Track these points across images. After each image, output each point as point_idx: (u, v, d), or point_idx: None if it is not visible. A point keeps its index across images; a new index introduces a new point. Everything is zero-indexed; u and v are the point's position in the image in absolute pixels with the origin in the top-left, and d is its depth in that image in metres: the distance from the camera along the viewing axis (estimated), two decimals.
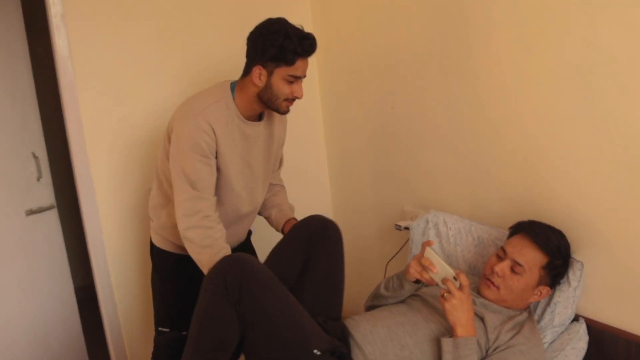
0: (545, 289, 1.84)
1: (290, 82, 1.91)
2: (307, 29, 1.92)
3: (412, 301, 1.94)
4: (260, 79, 1.90)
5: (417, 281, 1.87)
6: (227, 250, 1.90)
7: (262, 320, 1.68)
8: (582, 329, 1.85)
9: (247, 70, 1.95)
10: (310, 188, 3.03)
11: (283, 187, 2.38)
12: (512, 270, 1.82)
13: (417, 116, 2.38)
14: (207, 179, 1.91)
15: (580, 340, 1.84)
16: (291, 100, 1.95)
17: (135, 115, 2.52)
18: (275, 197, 2.32)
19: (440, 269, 1.75)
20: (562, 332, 1.88)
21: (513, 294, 1.83)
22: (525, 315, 1.86)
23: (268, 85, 1.90)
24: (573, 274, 1.85)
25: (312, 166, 3.04)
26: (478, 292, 1.91)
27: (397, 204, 2.61)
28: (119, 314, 2.64)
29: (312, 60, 2.05)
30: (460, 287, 1.69)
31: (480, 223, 2.13)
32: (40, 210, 2.74)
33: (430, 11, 2.22)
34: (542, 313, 1.90)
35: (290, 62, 1.86)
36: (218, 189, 1.99)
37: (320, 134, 3.04)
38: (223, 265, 1.68)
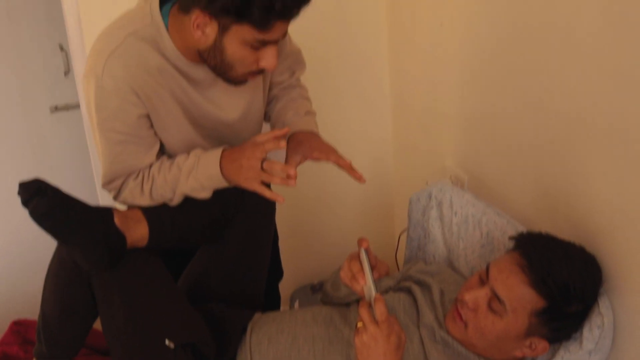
0: (541, 344, 1.17)
1: (256, 48, 1.22)
2: None
3: (355, 308, 1.38)
4: (203, 33, 1.20)
5: None
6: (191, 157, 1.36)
7: (116, 302, 1.30)
8: None
9: (185, 5, 1.21)
10: (370, 116, 2.43)
11: (292, 87, 1.62)
12: (490, 305, 1.18)
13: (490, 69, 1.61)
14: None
15: None
16: (255, 72, 1.29)
17: None
18: (278, 103, 1.60)
19: (367, 284, 1.18)
20: None
21: (485, 340, 1.19)
22: None
23: (217, 47, 1.21)
24: (589, 331, 1.14)
25: (371, 91, 2.41)
26: (445, 320, 1.29)
27: (440, 154, 1.95)
28: None
29: None
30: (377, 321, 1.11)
31: (498, 213, 1.44)
32: (66, 108, 2.55)
33: None
34: None
35: (261, 24, 1.16)
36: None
37: (383, 54, 2.35)
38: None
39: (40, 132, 2.53)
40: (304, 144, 1.41)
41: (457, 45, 1.70)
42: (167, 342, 1.26)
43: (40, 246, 2.37)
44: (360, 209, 2.52)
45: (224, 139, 1.45)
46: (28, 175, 2.41)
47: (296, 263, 2.47)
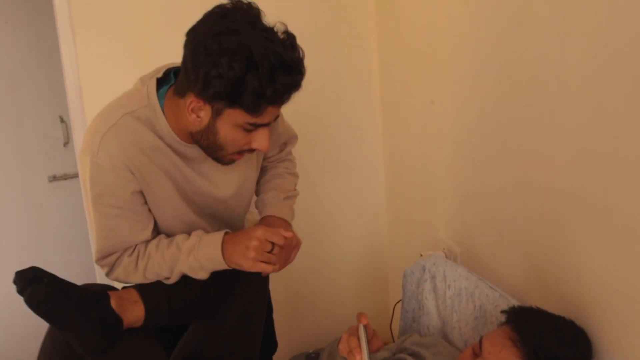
0: None
1: (249, 131, 1.26)
2: None
3: None
4: (197, 116, 1.23)
5: None
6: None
7: None
8: None
9: (181, 89, 1.25)
10: (364, 188, 2.49)
11: (280, 161, 1.67)
12: None
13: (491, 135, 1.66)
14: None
15: None
16: (247, 151, 1.32)
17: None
18: (264, 176, 1.64)
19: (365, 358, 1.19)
20: None
21: None
22: None
23: (211, 129, 1.24)
24: None
25: (366, 164, 2.47)
26: None
27: (433, 226, 1.98)
28: None
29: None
30: None
31: (490, 286, 1.46)
32: (64, 178, 2.60)
33: None
34: None
35: (253, 109, 1.18)
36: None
37: (377, 130, 2.44)
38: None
39: (38, 200, 2.57)
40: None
41: (449, 122, 1.77)
42: None
43: (34, 317, 2.37)
44: (355, 279, 2.54)
45: (217, 215, 1.48)
46: (24, 243, 2.46)
47: (291, 332, 2.46)
